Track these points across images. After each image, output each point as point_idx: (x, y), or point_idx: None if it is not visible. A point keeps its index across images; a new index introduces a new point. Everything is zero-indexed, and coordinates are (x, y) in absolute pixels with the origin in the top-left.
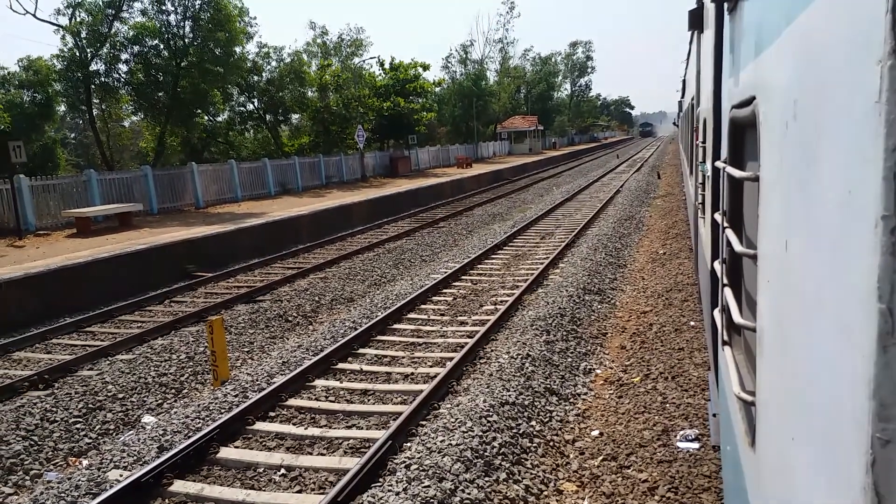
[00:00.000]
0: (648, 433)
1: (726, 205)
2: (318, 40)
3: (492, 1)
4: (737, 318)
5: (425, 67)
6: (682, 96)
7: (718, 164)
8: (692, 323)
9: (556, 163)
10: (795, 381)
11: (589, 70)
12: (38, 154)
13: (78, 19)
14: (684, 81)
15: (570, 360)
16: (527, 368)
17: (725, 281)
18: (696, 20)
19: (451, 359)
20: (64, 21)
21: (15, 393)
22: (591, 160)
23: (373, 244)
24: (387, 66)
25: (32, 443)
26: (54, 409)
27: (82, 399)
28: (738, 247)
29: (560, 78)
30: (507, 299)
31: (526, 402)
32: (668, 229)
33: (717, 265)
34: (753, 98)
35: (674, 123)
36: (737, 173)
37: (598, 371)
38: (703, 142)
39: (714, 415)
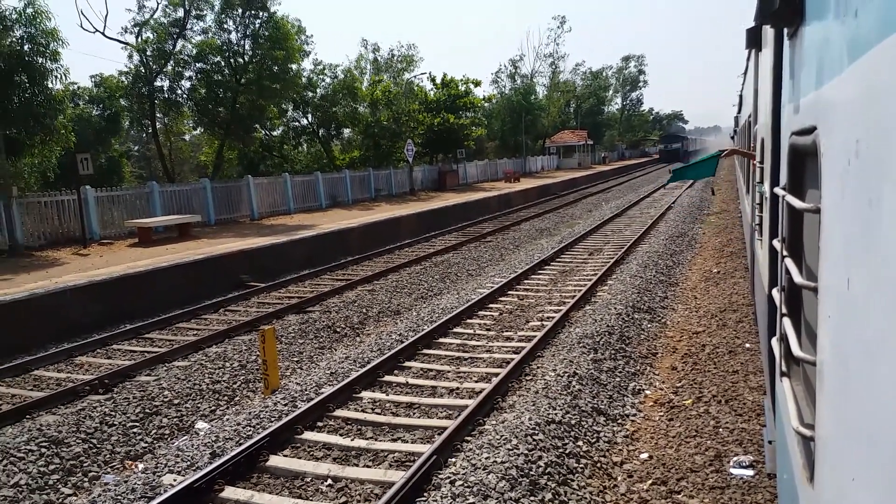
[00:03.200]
0: (700, 458)
1: (786, 232)
2: (370, 56)
3: (543, 16)
4: (796, 350)
5: (476, 84)
6: (739, 111)
7: (778, 190)
8: (747, 345)
9: (605, 178)
10: (858, 419)
11: (641, 84)
12: (105, 166)
13: (144, 38)
14: (741, 97)
15: (618, 379)
16: (574, 387)
17: (784, 310)
18: (753, 39)
19: (496, 374)
20: (131, 39)
21: (77, 396)
22: (642, 175)
23: (420, 257)
24: (438, 81)
25: (91, 445)
26: (113, 413)
27: (140, 404)
28: (797, 278)
29: (611, 92)
30: (553, 316)
31: (573, 422)
32: (723, 247)
33: (775, 293)
34: (814, 128)
35: (731, 137)
36: (797, 203)
37: (648, 392)
38: (761, 162)
39: (770, 442)
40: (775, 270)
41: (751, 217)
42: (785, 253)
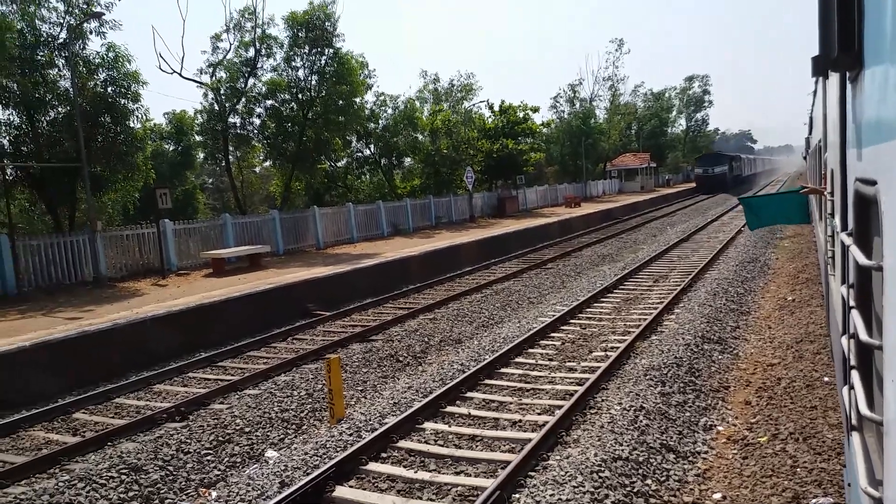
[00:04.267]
0: (777, 500)
1: (852, 280)
2: (430, 87)
3: (601, 39)
4: (864, 409)
5: (534, 110)
6: (810, 133)
7: (844, 237)
8: (826, 378)
9: (669, 201)
10: None
11: (706, 104)
12: (180, 198)
13: (217, 77)
14: (811, 118)
15: (688, 414)
16: (640, 421)
17: (853, 362)
18: (819, 67)
19: (559, 407)
20: (206, 79)
21: (154, 424)
22: (708, 197)
23: (480, 285)
24: (496, 108)
25: (168, 472)
26: (188, 441)
27: (213, 432)
28: (863, 334)
29: (674, 113)
30: (618, 346)
31: (640, 459)
32: (798, 273)
33: (843, 341)
34: (875, 182)
35: (803, 157)
36: (861, 259)
37: (720, 428)
38: (832, 194)
39: (849, 484)
40: (847, 318)
41: (824, 248)
42: (852, 303)
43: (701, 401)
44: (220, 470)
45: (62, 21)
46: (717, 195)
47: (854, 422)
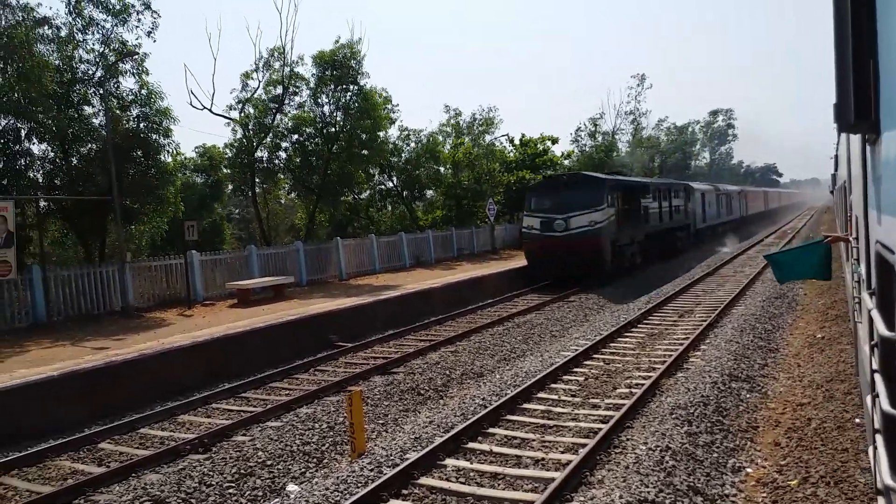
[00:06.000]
0: None
1: (876, 340)
2: (452, 121)
3: (622, 74)
4: (887, 479)
5: (554, 141)
6: (835, 170)
7: (866, 297)
8: (857, 420)
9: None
10: None
11: (730, 138)
12: (208, 229)
13: (246, 113)
14: (836, 157)
15: (715, 455)
16: (667, 462)
17: (877, 426)
18: (840, 123)
19: (583, 445)
20: (235, 115)
21: (178, 455)
22: (731, 231)
23: (502, 318)
24: (516, 142)
25: None
26: (211, 474)
27: (236, 464)
28: (885, 404)
29: (698, 146)
30: (642, 383)
31: (667, 501)
32: (827, 309)
33: (868, 401)
34: (895, 251)
35: (830, 192)
36: (882, 329)
37: (749, 470)
38: (857, 240)
39: None
40: (871, 376)
41: (850, 290)
42: (875, 367)
43: (729, 441)
44: None
45: (98, 60)
46: (753, 225)
47: (880, 486)
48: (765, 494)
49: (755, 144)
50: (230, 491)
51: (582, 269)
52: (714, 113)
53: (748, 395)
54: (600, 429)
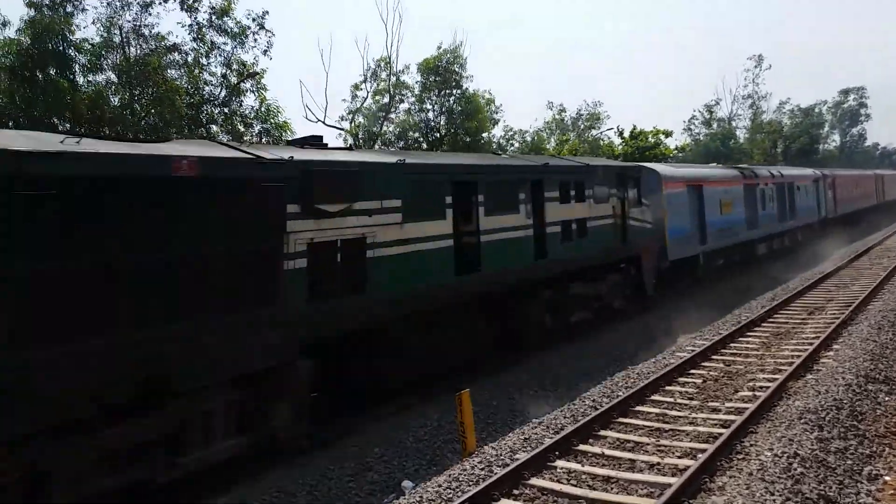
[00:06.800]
0: None
1: None
2: (556, 118)
3: (738, 57)
4: None
5: (667, 134)
6: None
7: None
8: None
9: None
10: None
11: (862, 118)
12: None
13: (356, 123)
14: None
15: (849, 462)
16: (795, 470)
17: None
18: None
19: (702, 451)
20: (346, 125)
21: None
22: (867, 216)
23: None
24: (626, 135)
25: (314, 498)
26: (331, 468)
27: (356, 458)
28: None
29: (826, 129)
30: (767, 385)
31: None
32: None
33: None
34: None
35: None
36: None
37: (888, 478)
38: None
39: None
40: None
41: None
42: None
43: (864, 447)
44: (360, 497)
45: (220, 81)
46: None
47: None
48: None
49: None
50: (351, 485)
51: None
52: (845, 92)
53: (886, 398)
54: (721, 433)
